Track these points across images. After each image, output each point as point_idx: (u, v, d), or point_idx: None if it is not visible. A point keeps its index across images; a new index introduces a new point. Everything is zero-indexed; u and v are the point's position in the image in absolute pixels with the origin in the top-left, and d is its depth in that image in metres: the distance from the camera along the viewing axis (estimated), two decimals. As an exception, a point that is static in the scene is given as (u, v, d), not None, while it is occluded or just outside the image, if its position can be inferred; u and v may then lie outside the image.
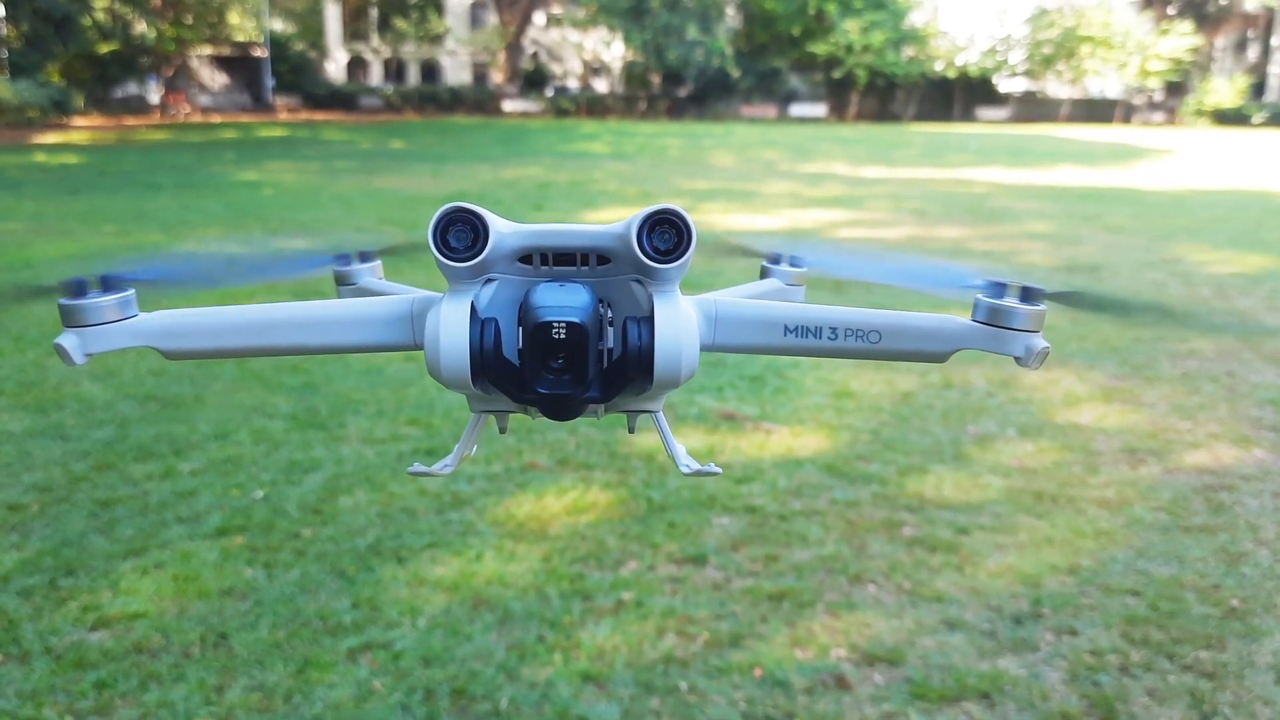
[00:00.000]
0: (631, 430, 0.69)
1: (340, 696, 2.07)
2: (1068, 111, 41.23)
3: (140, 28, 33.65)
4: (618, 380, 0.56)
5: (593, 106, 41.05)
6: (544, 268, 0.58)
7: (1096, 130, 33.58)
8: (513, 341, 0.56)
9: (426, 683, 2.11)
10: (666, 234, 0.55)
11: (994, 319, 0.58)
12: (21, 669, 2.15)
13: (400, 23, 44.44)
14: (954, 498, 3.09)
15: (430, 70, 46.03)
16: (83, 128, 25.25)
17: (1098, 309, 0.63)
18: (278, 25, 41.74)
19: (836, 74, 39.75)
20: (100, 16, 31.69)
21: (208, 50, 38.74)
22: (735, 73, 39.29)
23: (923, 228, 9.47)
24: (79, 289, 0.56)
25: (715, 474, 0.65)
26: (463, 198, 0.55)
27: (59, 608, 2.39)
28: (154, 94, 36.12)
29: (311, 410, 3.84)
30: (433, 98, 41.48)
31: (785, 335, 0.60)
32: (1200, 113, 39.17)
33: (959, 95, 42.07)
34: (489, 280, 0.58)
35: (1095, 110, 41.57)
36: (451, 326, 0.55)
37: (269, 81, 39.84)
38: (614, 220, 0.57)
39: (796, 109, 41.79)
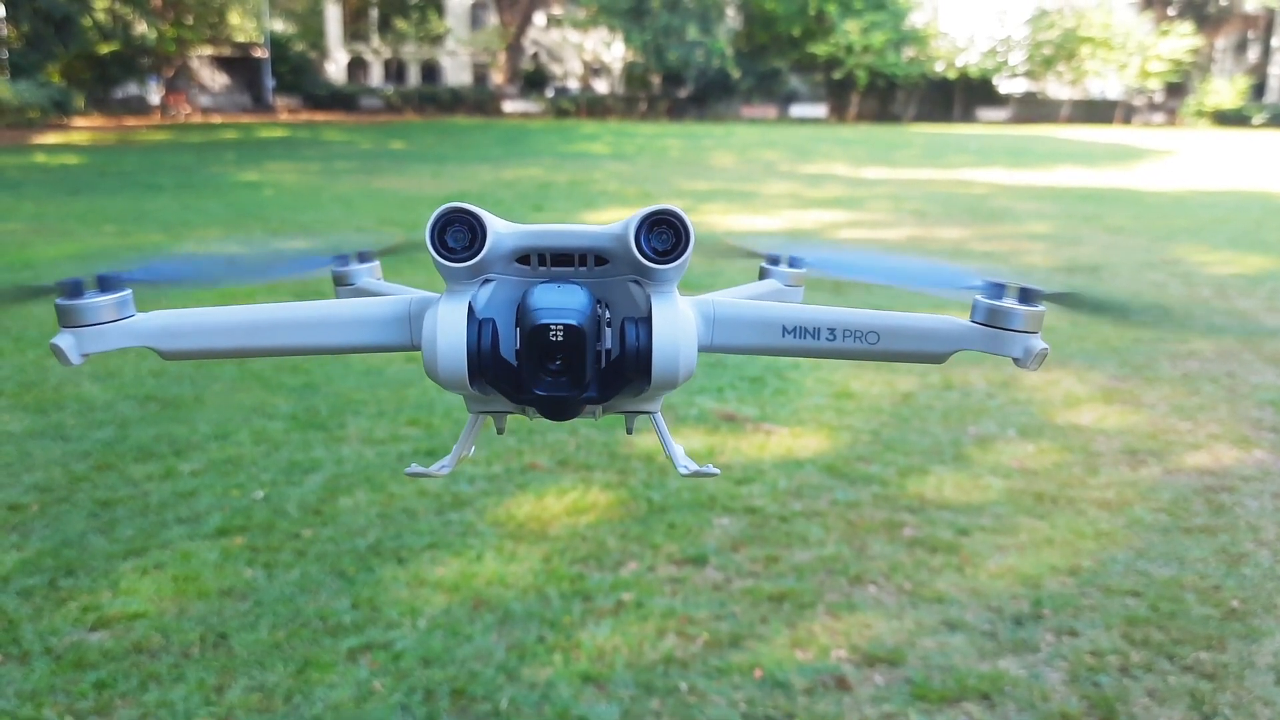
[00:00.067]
0: (630, 431, 0.69)
1: (340, 697, 2.07)
2: (1068, 112, 41.24)
3: (141, 28, 33.65)
4: (615, 381, 0.56)
5: (593, 107, 41.06)
6: (542, 268, 0.58)
7: (1097, 131, 33.57)
8: (510, 342, 0.56)
9: (426, 683, 2.11)
10: (664, 234, 0.55)
11: (993, 320, 0.58)
12: (21, 669, 2.15)
13: (400, 23, 44.47)
14: (954, 498, 3.09)
15: (430, 71, 46.05)
16: (83, 128, 25.26)
17: (1096, 310, 0.63)
18: (278, 26, 41.77)
19: (837, 75, 39.76)
20: (101, 17, 31.70)
21: (208, 51, 38.75)
22: (735, 73, 39.30)
23: (923, 228, 9.47)
24: (75, 289, 0.55)
25: (713, 475, 0.65)
26: (463, 198, 0.55)
27: (59, 608, 2.39)
28: (154, 94, 36.13)
29: (311, 411, 3.84)
30: (433, 98, 41.49)
31: (784, 336, 0.59)
32: (1200, 114, 39.17)
33: (959, 96, 42.07)
34: (487, 281, 0.58)
35: (1095, 111, 41.57)
36: (449, 327, 0.55)
37: (269, 82, 39.86)
38: (614, 221, 0.57)
39: (797, 110, 41.80)
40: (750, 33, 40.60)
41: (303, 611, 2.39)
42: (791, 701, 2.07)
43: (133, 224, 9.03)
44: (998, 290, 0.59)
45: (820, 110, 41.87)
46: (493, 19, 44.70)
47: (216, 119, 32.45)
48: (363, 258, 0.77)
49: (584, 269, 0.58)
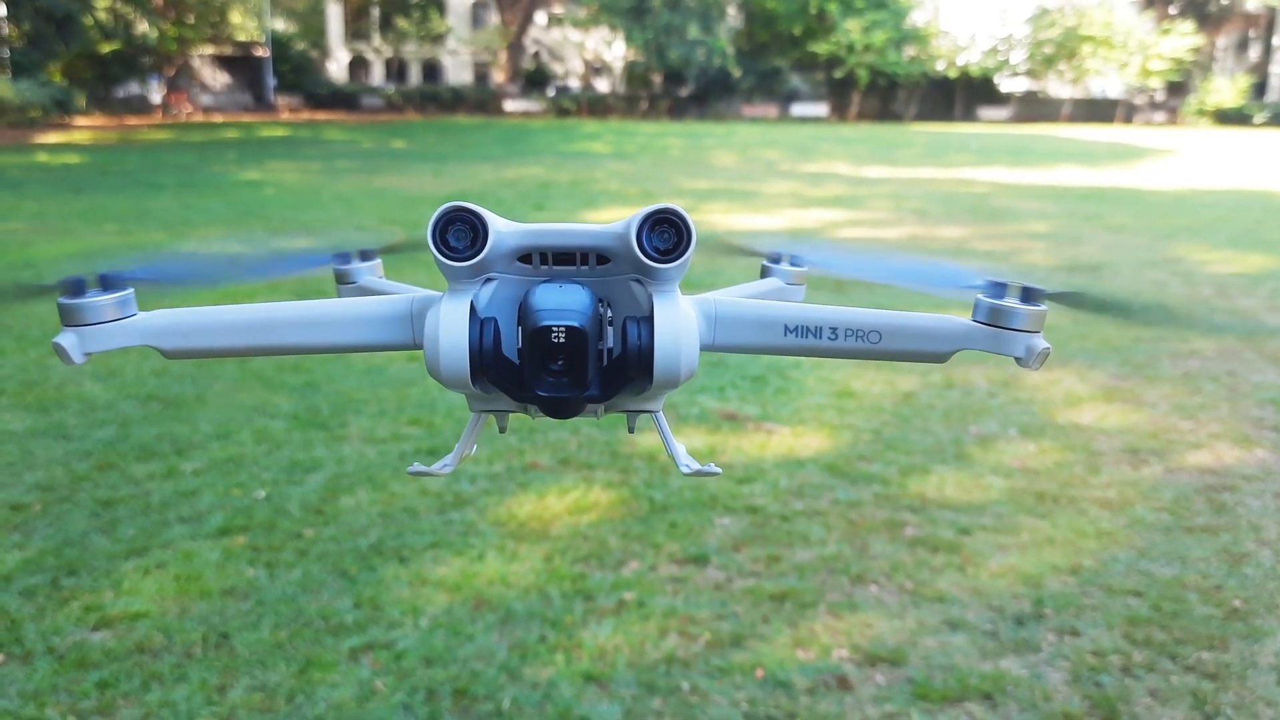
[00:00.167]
0: (631, 430, 0.69)
1: (342, 696, 2.07)
2: (1069, 111, 41.20)
3: (142, 27, 33.66)
4: (617, 380, 0.56)
5: (594, 106, 41.05)
6: (543, 267, 0.58)
7: (1098, 130, 33.55)
8: (512, 341, 0.56)
9: (428, 683, 2.11)
10: (666, 233, 0.55)
11: (994, 319, 0.58)
12: (24, 669, 2.15)
13: (402, 22, 44.46)
14: (956, 498, 3.09)
15: (432, 70, 46.05)
16: (84, 127, 25.27)
17: (1098, 309, 0.63)
18: (279, 25, 41.77)
19: (838, 74, 39.73)
20: (102, 16, 31.71)
21: (210, 50, 38.76)
22: (736, 72, 39.28)
23: (924, 227, 9.47)
24: (78, 288, 0.56)
25: (715, 474, 0.65)
26: (464, 197, 0.55)
27: (61, 607, 2.39)
28: (156, 94, 36.14)
29: (313, 410, 3.84)
30: (434, 97, 41.49)
31: (785, 335, 0.59)
32: (1202, 112, 39.13)
33: (960, 95, 42.04)
34: (488, 280, 0.58)
35: (1096, 110, 41.54)
36: (451, 326, 0.55)
37: (271, 81, 39.86)
38: (615, 220, 0.57)
39: (798, 109, 41.78)
40: (751, 31, 40.58)
41: (305, 611, 2.39)
42: (793, 701, 2.07)
43: (134, 223, 9.03)
44: (999, 289, 0.59)
45: (821, 109, 41.85)
46: (494, 18, 44.68)
47: (218, 118, 32.46)
48: (364, 256, 0.77)
49: (585, 268, 0.58)
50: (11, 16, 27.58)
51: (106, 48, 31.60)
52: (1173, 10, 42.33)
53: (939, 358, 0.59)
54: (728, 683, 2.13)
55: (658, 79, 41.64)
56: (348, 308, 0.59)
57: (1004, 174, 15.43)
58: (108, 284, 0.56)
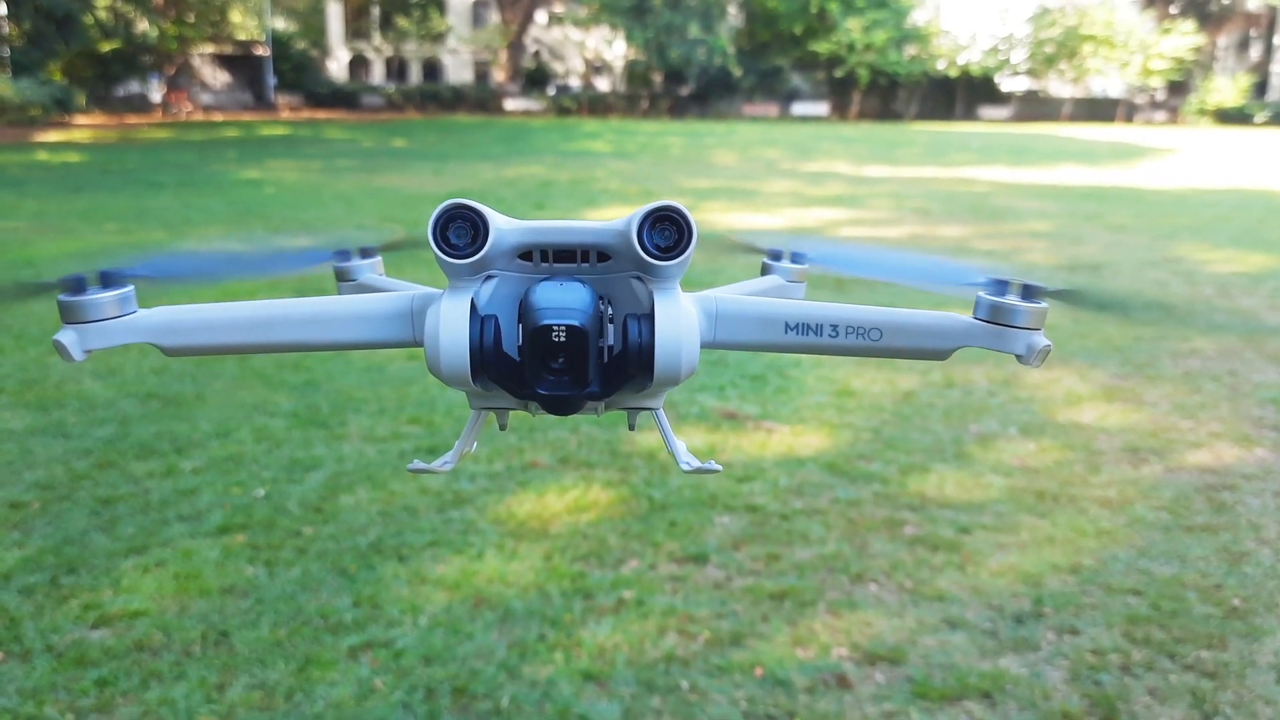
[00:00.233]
0: (632, 427, 0.69)
1: (341, 695, 2.07)
2: (1070, 110, 41.19)
3: (142, 26, 33.65)
4: (618, 377, 0.56)
5: (595, 105, 41.04)
6: (544, 264, 0.58)
7: (1098, 129, 33.54)
8: (513, 338, 0.56)
9: (428, 681, 2.11)
10: (667, 231, 0.55)
11: (995, 316, 0.58)
12: (23, 667, 2.15)
13: (402, 21, 44.44)
14: (956, 497, 3.09)
15: (432, 69, 46.03)
16: (85, 126, 25.27)
17: (1099, 307, 0.63)
18: (280, 24, 41.76)
19: (838, 73, 39.72)
20: (102, 15, 31.71)
21: (210, 49, 38.75)
22: (737, 71, 39.27)
23: (925, 226, 9.47)
24: (78, 285, 0.55)
25: (715, 471, 0.65)
26: (464, 196, 0.55)
27: (60, 605, 2.39)
28: (156, 92, 36.14)
29: (313, 408, 3.84)
30: (435, 96, 41.48)
31: (786, 332, 0.59)
32: (1202, 112, 39.12)
33: (961, 94, 42.03)
34: (489, 277, 0.58)
35: (1097, 109, 41.52)
36: (451, 323, 0.55)
37: (271, 80, 39.85)
38: (615, 218, 0.57)
39: (798, 108, 41.77)
40: (752, 31, 40.56)
41: (304, 609, 2.39)
42: (792, 700, 2.07)
43: (134, 222, 9.03)
44: (1001, 287, 0.58)
45: (822, 108, 41.84)
46: (494, 17, 44.67)
47: (218, 117, 32.46)
48: (365, 254, 0.77)
49: (586, 265, 0.58)
50: (12, 15, 27.57)
51: (107, 46, 31.60)
52: (1174, 9, 42.31)
53: (940, 355, 0.59)
54: (727, 681, 2.13)
55: (658, 78, 41.62)
56: (348, 305, 0.59)
57: (1005, 173, 15.43)
58: (108, 281, 0.56)
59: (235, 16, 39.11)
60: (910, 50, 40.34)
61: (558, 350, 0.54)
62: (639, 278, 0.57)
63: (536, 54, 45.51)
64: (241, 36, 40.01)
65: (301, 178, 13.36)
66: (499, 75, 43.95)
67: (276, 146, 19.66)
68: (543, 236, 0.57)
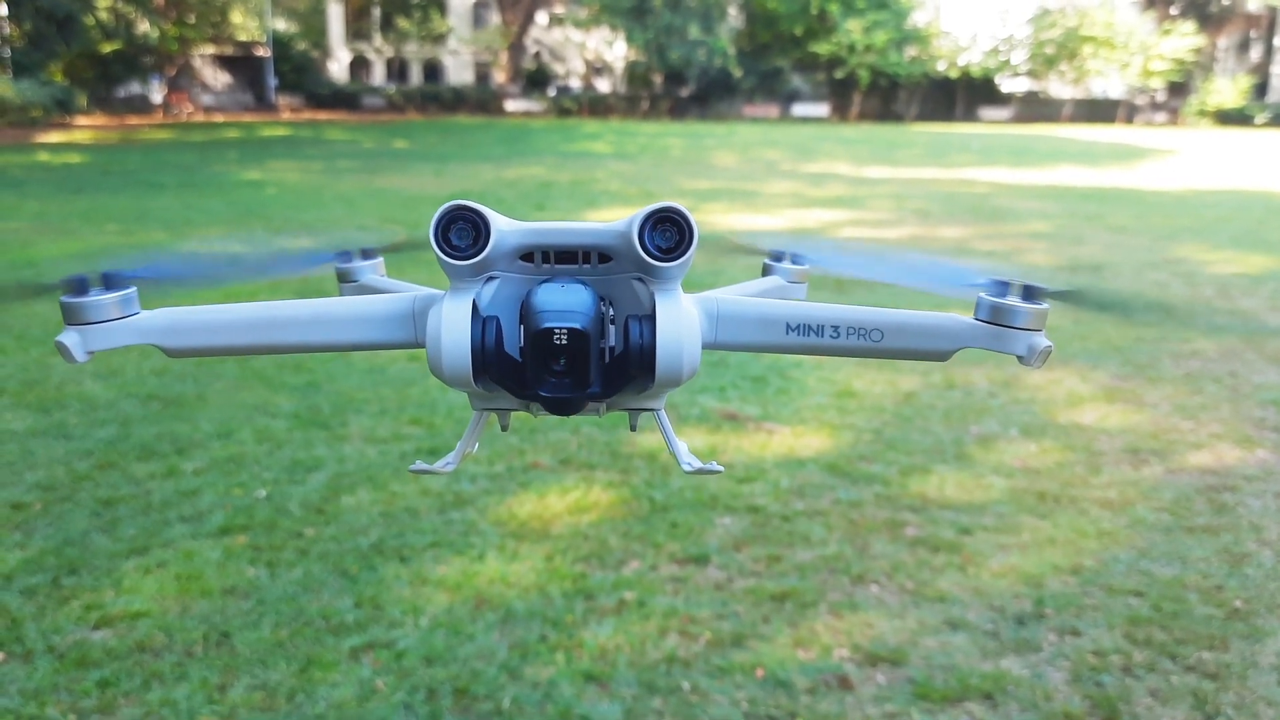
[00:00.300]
0: (633, 428, 0.69)
1: (343, 695, 2.07)
2: (1070, 112, 41.19)
3: (143, 27, 33.68)
4: (619, 378, 0.56)
5: (595, 106, 41.05)
6: (545, 266, 0.58)
7: (1099, 130, 33.54)
8: (514, 339, 0.56)
9: (429, 682, 2.11)
10: (668, 232, 0.55)
11: (996, 317, 0.58)
12: (25, 667, 2.15)
13: (403, 22, 44.48)
14: (956, 498, 3.09)
15: (433, 70, 46.05)
16: (86, 127, 25.28)
17: (1100, 308, 0.63)
18: (280, 25, 41.79)
19: (839, 74, 39.73)
20: (103, 16, 31.74)
21: (210, 50, 38.78)
22: (737, 72, 39.28)
23: (925, 228, 9.47)
24: (81, 286, 0.56)
25: (717, 472, 0.65)
26: (465, 197, 0.55)
27: (62, 606, 2.39)
28: (157, 93, 36.17)
29: (314, 409, 3.84)
30: (435, 97, 41.50)
31: (787, 333, 0.59)
32: (1203, 113, 39.12)
33: (961, 95, 42.03)
34: (491, 278, 0.58)
35: (1097, 110, 41.53)
36: (453, 324, 0.55)
37: (272, 81, 39.88)
38: (616, 219, 0.57)
39: (799, 109, 41.78)
40: (752, 32, 40.58)
41: (305, 610, 2.39)
42: (794, 701, 2.07)
43: (135, 223, 9.03)
44: (1002, 288, 0.59)
45: (822, 109, 41.84)
46: (495, 18, 44.69)
47: (219, 118, 32.48)
48: (366, 255, 0.77)
49: (587, 266, 0.58)
50: (13, 16, 27.59)
51: (108, 47, 31.62)
52: (1174, 11, 42.31)
53: (941, 356, 0.59)
54: (728, 682, 2.13)
55: (659, 79, 41.64)
56: (350, 306, 0.60)
57: (1005, 174, 15.43)
58: (110, 283, 0.56)
59: (236, 17, 39.15)
60: (911, 51, 40.35)
61: (559, 352, 0.54)
62: (640, 279, 0.58)
63: (537, 55, 45.54)
64: (242, 37, 40.04)
65: (302, 179, 13.36)
66: (500, 76, 43.96)
67: (277, 147, 19.67)
68: (544, 238, 0.57)
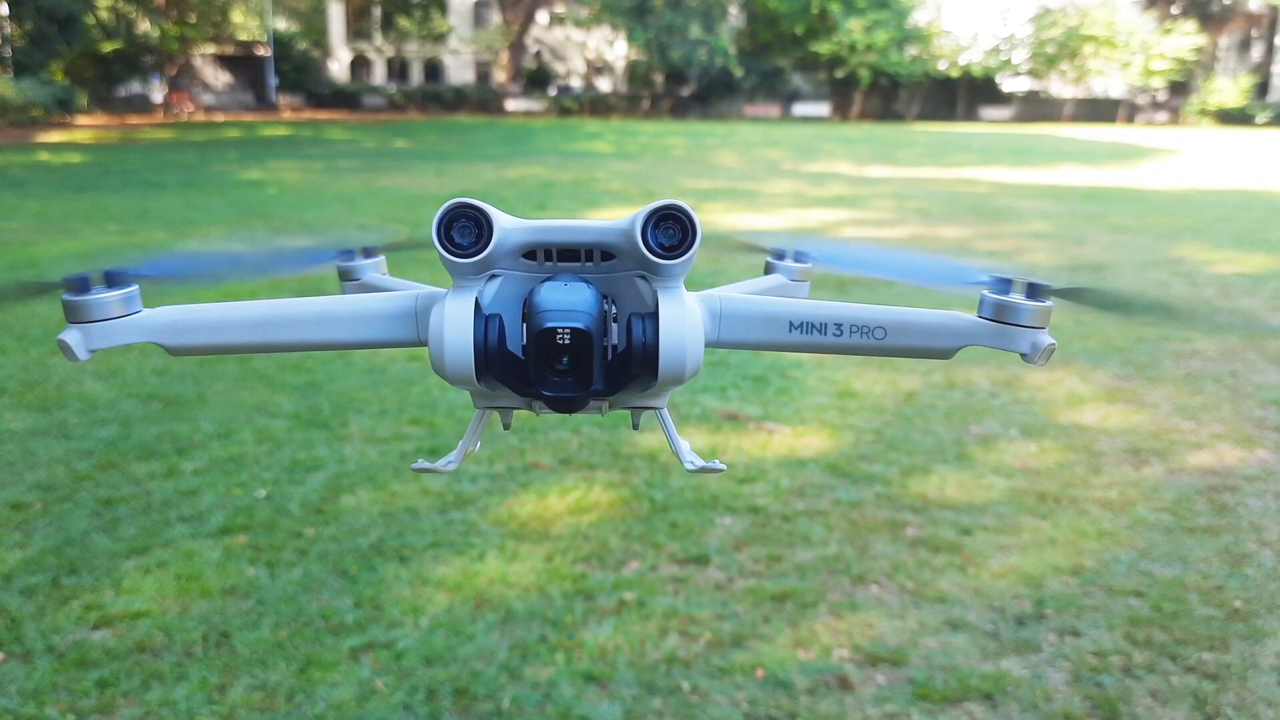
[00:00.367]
0: (636, 427, 0.69)
1: (343, 696, 2.07)
2: (1071, 111, 41.18)
3: (144, 26, 33.70)
4: (622, 376, 0.56)
5: (596, 106, 41.06)
6: (548, 264, 0.58)
7: (1100, 130, 33.53)
8: (517, 337, 0.56)
9: (429, 682, 2.11)
10: (671, 230, 0.54)
11: (1000, 315, 0.58)
12: (24, 667, 2.15)
13: (404, 22, 44.47)
14: (957, 498, 3.09)
15: (433, 69, 46.04)
16: (86, 126, 25.28)
17: (1103, 306, 0.63)
18: (281, 24, 41.79)
19: (840, 73, 39.73)
20: (104, 15, 31.75)
21: (211, 49, 38.79)
22: (738, 72, 39.29)
23: (926, 227, 9.46)
24: (82, 285, 0.55)
25: (720, 470, 0.65)
26: (466, 196, 0.55)
27: (61, 606, 2.39)
28: (157, 93, 36.18)
29: (314, 409, 3.84)
30: (436, 97, 41.50)
31: (790, 332, 0.59)
32: (1204, 112, 39.12)
33: (962, 95, 42.03)
34: (493, 276, 0.57)
35: (1098, 110, 41.52)
36: (456, 322, 0.55)
37: (272, 80, 39.88)
38: (619, 218, 0.56)
39: (800, 108, 41.78)
40: (753, 31, 40.59)
41: (305, 610, 2.39)
42: (794, 701, 2.07)
43: (136, 222, 9.03)
44: (1005, 285, 0.58)
45: (823, 109, 41.85)
46: (495, 17, 44.68)
47: (219, 117, 32.47)
48: (368, 253, 0.77)
49: (590, 264, 0.58)
50: (13, 15, 27.59)
51: (108, 47, 31.63)
52: (1175, 10, 42.30)
53: (944, 354, 0.59)
54: (728, 683, 2.13)
55: (660, 78, 41.65)
56: (352, 305, 0.59)
57: (1006, 174, 15.43)
58: (112, 281, 0.56)
59: (237, 17, 39.16)
60: (911, 51, 40.35)
61: (562, 352, 0.54)
62: (643, 277, 0.57)
63: (538, 54, 45.53)
64: (243, 37, 40.05)
65: (303, 178, 13.36)
66: (500, 76, 43.96)
67: (278, 147, 19.67)
68: (547, 235, 0.57)
